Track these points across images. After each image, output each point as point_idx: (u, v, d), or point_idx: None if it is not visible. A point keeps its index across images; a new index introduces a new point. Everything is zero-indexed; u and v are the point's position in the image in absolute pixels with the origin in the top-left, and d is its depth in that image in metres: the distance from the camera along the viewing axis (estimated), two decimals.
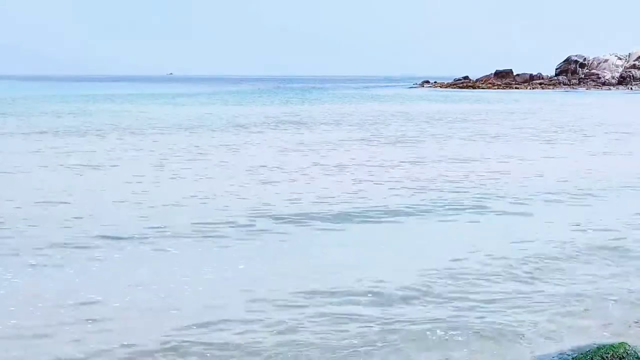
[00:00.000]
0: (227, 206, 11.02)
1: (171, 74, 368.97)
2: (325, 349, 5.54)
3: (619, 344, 5.05)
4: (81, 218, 9.99)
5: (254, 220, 9.99)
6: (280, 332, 5.87)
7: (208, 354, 5.43)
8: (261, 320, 6.13)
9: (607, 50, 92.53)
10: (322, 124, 29.46)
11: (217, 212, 10.57)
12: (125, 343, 5.60)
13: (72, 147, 19.35)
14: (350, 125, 28.41)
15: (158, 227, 9.46)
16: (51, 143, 20.41)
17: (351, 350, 5.51)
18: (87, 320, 6.07)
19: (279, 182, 13.59)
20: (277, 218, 10.19)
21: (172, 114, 35.04)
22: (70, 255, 8.09)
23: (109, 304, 6.47)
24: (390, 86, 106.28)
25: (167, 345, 5.56)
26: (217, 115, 34.35)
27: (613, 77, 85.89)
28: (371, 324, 6.06)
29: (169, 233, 9.19)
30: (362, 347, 5.58)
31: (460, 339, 5.81)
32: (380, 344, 5.63)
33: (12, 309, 6.36)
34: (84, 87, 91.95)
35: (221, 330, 5.90)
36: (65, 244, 8.57)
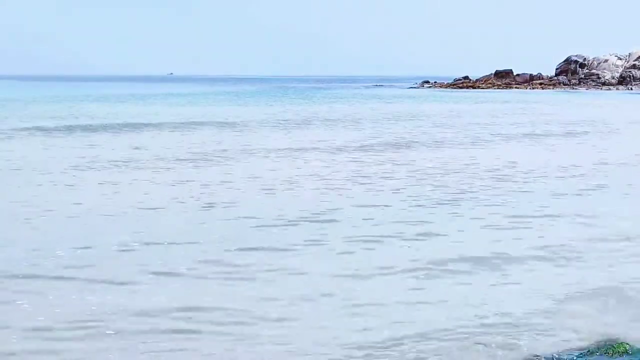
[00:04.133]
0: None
1: (171, 73, 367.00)
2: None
3: (619, 344, 5.14)
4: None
5: None
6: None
7: None
8: None
9: (607, 50, 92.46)
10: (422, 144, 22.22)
11: None
12: None
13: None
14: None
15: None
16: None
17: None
18: None
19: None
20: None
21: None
22: None
23: None
24: (391, 87, 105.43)
25: None
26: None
27: (613, 77, 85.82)
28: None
29: None
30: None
31: (457, 334, 6.00)
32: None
33: None
34: (103, 87, 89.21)
35: None
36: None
